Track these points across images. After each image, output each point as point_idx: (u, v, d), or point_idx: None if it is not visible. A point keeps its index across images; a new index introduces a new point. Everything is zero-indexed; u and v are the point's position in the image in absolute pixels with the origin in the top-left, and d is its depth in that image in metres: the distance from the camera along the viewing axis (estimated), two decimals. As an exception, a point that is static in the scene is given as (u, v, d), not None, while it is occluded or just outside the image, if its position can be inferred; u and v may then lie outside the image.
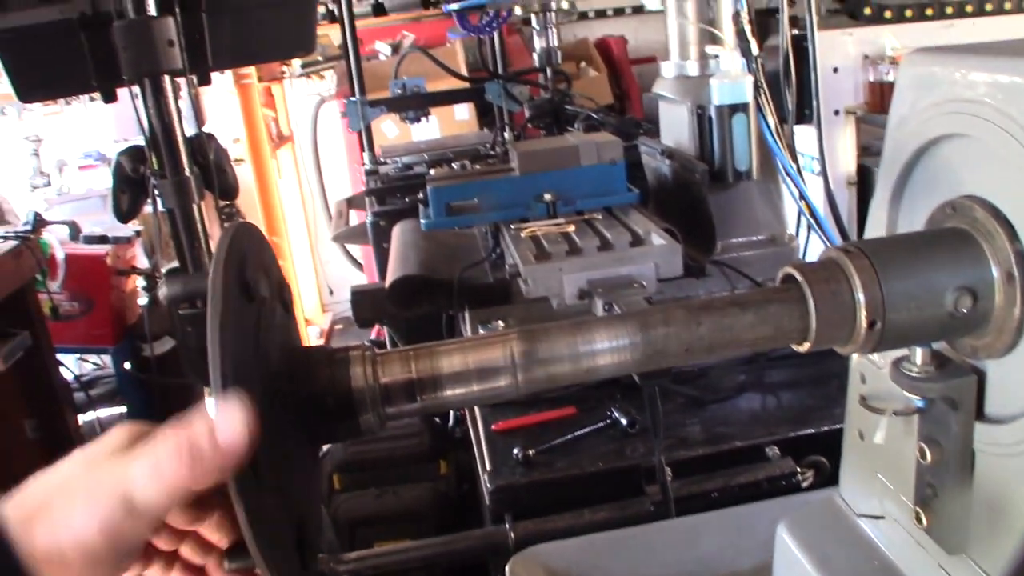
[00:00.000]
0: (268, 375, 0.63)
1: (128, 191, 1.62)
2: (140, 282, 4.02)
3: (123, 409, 4.07)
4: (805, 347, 0.70)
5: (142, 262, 4.21)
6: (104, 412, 4.12)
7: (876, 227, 0.87)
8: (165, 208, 1.52)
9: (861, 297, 0.68)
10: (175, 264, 1.65)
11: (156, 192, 1.51)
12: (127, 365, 3.93)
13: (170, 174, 1.48)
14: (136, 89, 1.53)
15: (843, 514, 1.03)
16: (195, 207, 1.53)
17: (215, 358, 0.57)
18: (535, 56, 3.35)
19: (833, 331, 0.69)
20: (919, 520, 0.82)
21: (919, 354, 0.76)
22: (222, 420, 0.56)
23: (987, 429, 0.75)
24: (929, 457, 0.79)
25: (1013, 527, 0.71)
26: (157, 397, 3.99)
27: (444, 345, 0.68)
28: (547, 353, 0.67)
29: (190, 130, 1.55)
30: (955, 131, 0.75)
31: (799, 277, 0.69)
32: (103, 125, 5.83)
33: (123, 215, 1.66)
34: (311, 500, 0.70)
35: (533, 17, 3.22)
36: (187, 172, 1.50)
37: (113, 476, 0.58)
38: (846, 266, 0.69)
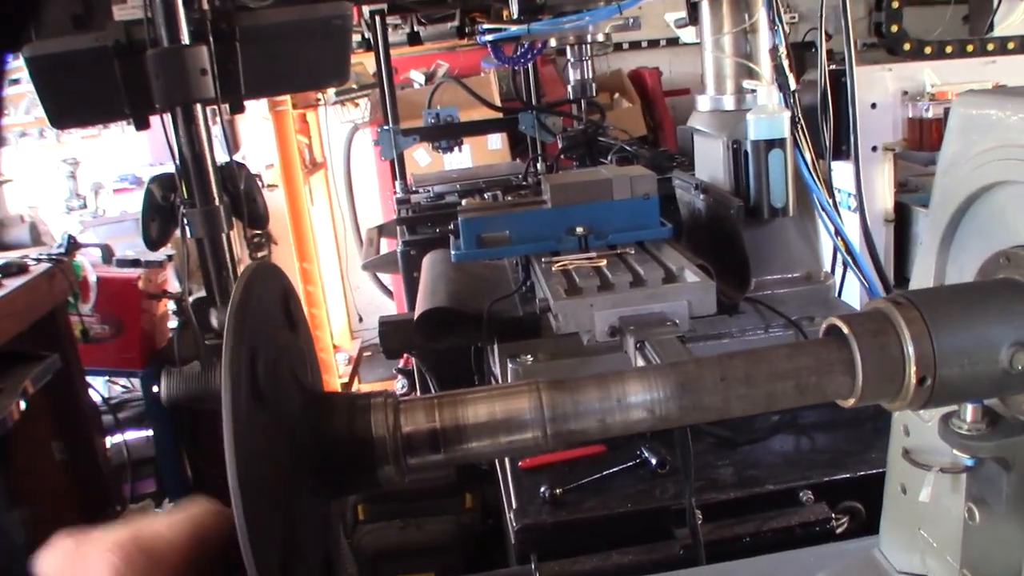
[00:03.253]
0: (287, 461, 0.61)
1: (158, 219, 1.62)
2: (171, 306, 4.02)
3: (150, 432, 4.07)
4: (850, 403, 0.67)
5: (173, 286, 4.22)
6: (131, 435, 4.12)
7: (923, 275, 0.84)
8: (194, 237, 1.51)
9: (911, 351, 0.64)
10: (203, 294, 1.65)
11: (185, 221, 1.50)
12: (155, 389, 3.93)
13: (200, 203, 1.48)
14: (168, 117, 1.53)
15: (883, 570, 0.99)
16: (224, 236, 1.51)
17: (233, 479, 0.55)
18: (569, 87, 3.33)
19: (880, 387, 0.66)
20: (967, 584, 0.78)
21: (969, 410, 0.72)
22: None
23: (1042, 491, 0.71)
24: (978, 518, 0.74)
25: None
26: (184, 422, 3.99)
27: (470, 394, 0.65)
28: (576, 406, 0.63)
29: (221, 158, 1.54)
30: (1010, 178, 0.71)
31: (845, 330, 0.66)
32: (139, 149, 5.89)
33: (152, 243, 1.65)
34: (330, 551, 0.68)
35: (568, 49, 3.21)
36: (216, 201, 1.49)
37: None
38: (895, 318, 0.65)
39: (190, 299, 1.83)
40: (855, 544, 1.05)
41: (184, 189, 1.49)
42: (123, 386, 4.43)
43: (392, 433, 0.63)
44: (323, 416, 0.64)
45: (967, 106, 0.76)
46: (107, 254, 3.92)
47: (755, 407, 0.65)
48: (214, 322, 0.53)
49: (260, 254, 1.63)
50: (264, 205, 1.63)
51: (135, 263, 3.89)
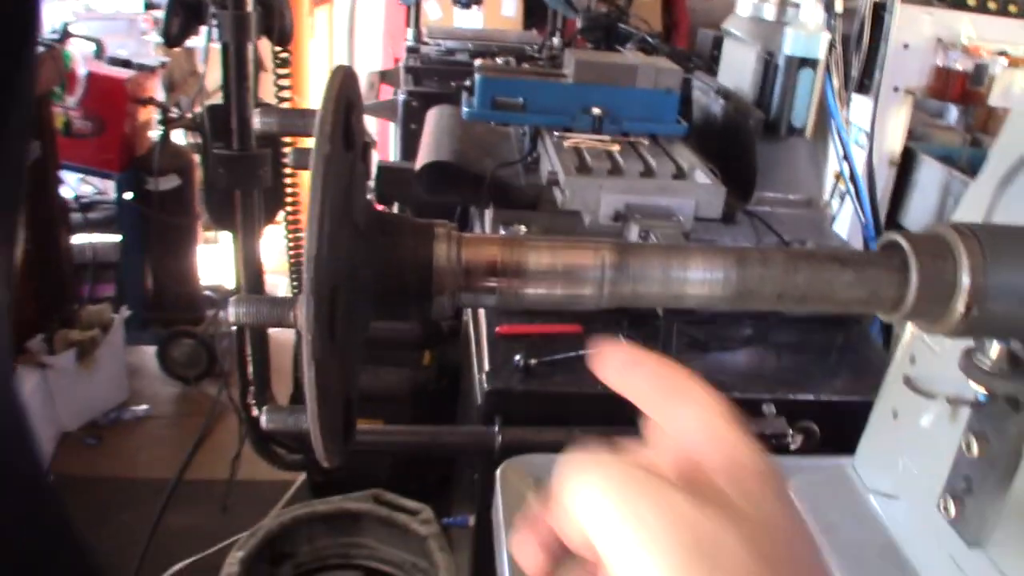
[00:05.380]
0: (355, 231, 0.61)
1: (182, 14, 1.56)
2: (155, 115, 3.94)
3: (118, 238, 4.04)
4: (894, 318, 0.68)
5: (160, 96, 4.12)
6: (97, 237, 4.09)
7: (973, 207, 0.85)
8: (220, 40, 1.47)
9: (966, 280, 0.65)
10: (206, 103, 1.61)
11: (214, 22, 1.45)
12: (129, 195, 3.89)
13: (231, 5, 1.42)
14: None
15: (854, 486, 1.03)
16: (250, 46, 1.47)
17: (314, 207, 0.54)
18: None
19: (928, 307, 0.67)
20: (945, 509, 0.82)
21: (996, 349, 0.74)
22: None
23: (1044, 436, 0.74)
24: (976, 451, 0.78)
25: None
26: (154, 232, 3.96)
27: (533, 240, 0.65)
28: (639, 270, 0.64)
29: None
30: (1092, 130, 0.72)
31: (906, 246, 0.67)
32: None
33: (171, 38, 1.59)
34: (356, 377, 0.68)
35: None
36: (249, 7, 1.44)
37: None
38: (956, 245, 0.66)
39: (206, 104, 1.78)
40: (829, 461, 1.09)
41: (217, -12, 1.44)
42: (96, 187, 4.36)
43: (454, 265, 0.63)
44: (387, 235, 0.63)
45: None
46: (99, 49, 3.80)
47: (807, 303, 0.66)
48: (256, 122, 0.51)
49: (283, 72, 1.57)
50: (292, 23, 1.58)
51: (127, 64, 3.79)
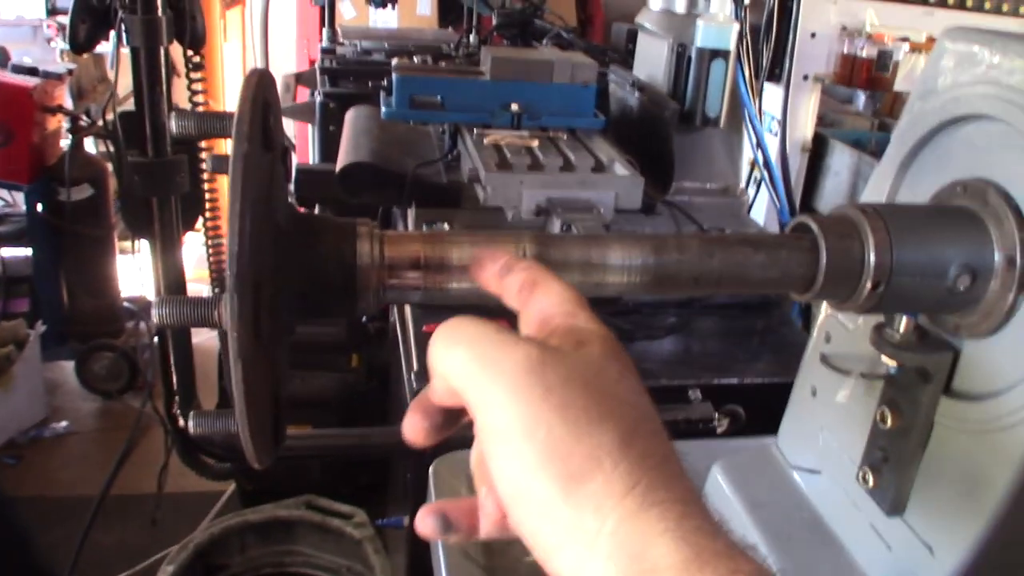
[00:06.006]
0: (277, 230, 0.61)
1: (88, 21, 1.53)
2: (65, 124, 3.83)
3: (28, 252, 3.92)
4: (806, 297, 0.71)
5: (68, 104, 4.01)
6: (8, 251, 3.96)
7: (876, 191, 0.88)
8: (130, 45, 1.44)
9: (872, 258, 0.68)
10: (120, 108, 1.58)
11: (123, 26, 1.43)
12: (39, 207, 3.78)
13: (141, 10, 1.40)
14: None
15: (778, 464, 1.06)
16: (162, 50, 1.45)
17: (235, 204, 0.54)
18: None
19: (837, 286, 0.70)
20: (864, 480, 0.85)
21: (903, 323, 0.77)
22: None
23: (952, 404, 0.78)
24: (890, 422, 0.81)
25: (980, 501, 0.74)
26: (68, 244, 3.85)
27: (455, 234, 0.66)
28: (559, 258, 0.65)
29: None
30: (984, 112, 0.75)
31: (815, 228, 0.69)
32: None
33: (78, 45, 1.56)
34: (284, 376, 0.68)
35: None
36: (160, 12, 1.42)
37: None
38: (862, 225, 0.69)
39: (118, 111, 1.74)
40: (753, 441, 1.12)
41: (126, -7, 1.41)
42: (3, 199, 4.23)
43: (377, 262, 0.63)
44: (309, 235, 0.63)
45: (955, 41, 0.80)
46: (3, 57, 3.68)
47: (723, 285, 0.68)
48: (173, 126, 0.50)
49: (196, 76, 1.54)
50: (204, 26, 1.56)
51: (32, 71, 3.68)
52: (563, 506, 0.46)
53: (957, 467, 0.77)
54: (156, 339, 1.89)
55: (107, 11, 1.49)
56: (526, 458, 0.47)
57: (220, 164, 0.62)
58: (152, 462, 2.63)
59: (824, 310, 0.99)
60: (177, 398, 1.80)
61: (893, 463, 0.82)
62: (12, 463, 3.59)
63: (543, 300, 0.56)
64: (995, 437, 0.73)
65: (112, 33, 1.53)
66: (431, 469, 1.34)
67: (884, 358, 0.78)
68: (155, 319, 0.60)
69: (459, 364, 0.51)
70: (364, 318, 2.93)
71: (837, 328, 0.95)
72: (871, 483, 0.84)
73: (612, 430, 0.47)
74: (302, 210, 0.70)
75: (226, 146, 0.59)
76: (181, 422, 1.81)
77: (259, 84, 0.60)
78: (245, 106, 0.57)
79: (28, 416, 3.79)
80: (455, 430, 0.58)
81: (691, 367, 1.78)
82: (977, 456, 0.75)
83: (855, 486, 0.88)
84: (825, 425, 0.97)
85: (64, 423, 3.87)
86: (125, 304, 4.18)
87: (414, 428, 0.57)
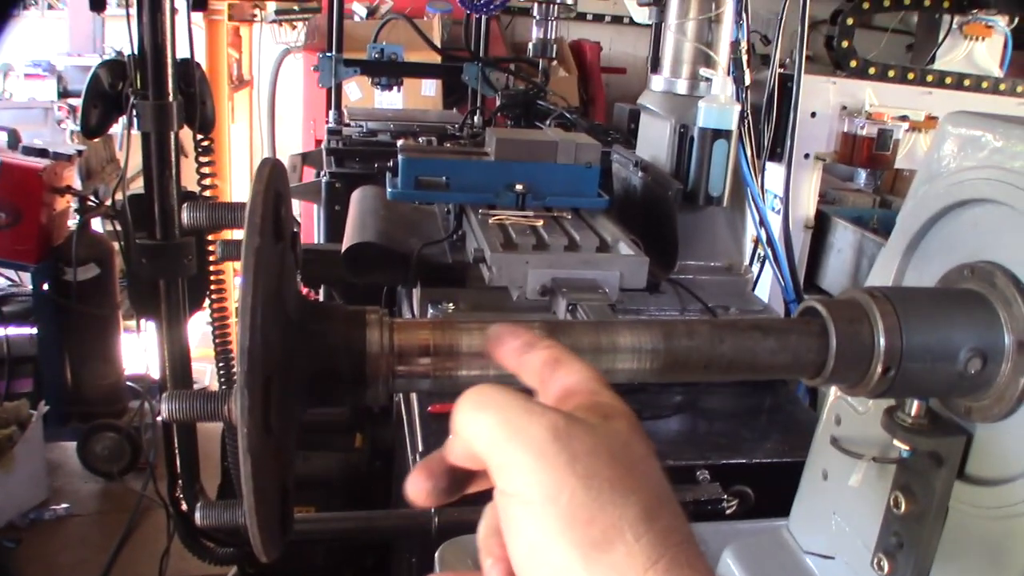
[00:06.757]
0: (288, 321, 0.61)
1: (100, 106, 1.55)
2: (73, 204, 3.88)
3: (34, 330, 3.93)
4: (816, 382, 0.70)
5: (77, 185, 4.06)
6: (13, 330, 3.97)
7: (883, 274, 0.88)
8: (141, 130, 1.46)
9: (882, 342, 0.68)
10: (130, 190, 1.60)
11: (135, 112, 1.45)
12: (45, 286, 3.79)
13: (152, 96, 1.42)
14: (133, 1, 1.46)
15: (790, 548, 1.05)
16: (172, 135, 1.47)
17: (247, 299, 0.54)
18: (530, 45, 3.35)
19: (848, 371, 0.69)
20: (879, 567, 0.83)
21: (915, 406, 0.77)
22: None
23: (966, 489, 0.77)
24: (904, 507, 0.80)
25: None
26: (73, 323, 3.86)
27: (464, 322, 0.66)
28: (568, 345, 0.65)
29: (180, 54, 1.49)
30: (989, 196, 0.76)
31: (824, 312, 0.69)
32: (56, 37, 5.64)
33: (90, 129, 1.58)
34: (292, 466, 0.67)
35: (535, 7, 3.21)
36: (171, 97, 1.44)
37: None
38: (871, 309, 0.69)
39: (127, 193, 1.76)
40: (764, 524, 1.10)
41: (138, 79, 1.43)
42: (9, 279, 4.25)
43: (386, 351, 0.63)
44: (319, 323, 0.64)
45: (958, 125, 0.81)
46: (14, 139, 3.74)
47: (733, 371, 0.68)
48: (184, 217, 0.50)
49: (205, 159, 1.57)
50: (213, 111, 1.58)
51: (42, 153, 3.73)
52: (583, 574, 0.45)
53: (974, 552, 0.76)
54: (160, 419, 1.88)
55: (119, 96, 1.52)
56: (547, 523, 0.47)
57: (230, 251, 0.62)
58: (153, 546, 2.60)
59: (833, 392, 0.98)
60: (180, 481, 1.78)
61: (908, 549, 0.80)
62: (12, 546, 3.54)
63: (566, 378, 0.57)
64: (1013, 523, 0.72)
65: (123, 117, 1.55)
66: (437, 554, 1.32)
67: (896, 442, 0.77)
68: (164, 414, 0.60)
69: (485, 429, 0.51)
70: (369, 398, 2.91)
71: (847, 411, 0.94)
72: (886, 569, 0.83)
73: (637, 504, 0.47)
74: (309, 293, 0.70)
75: (236, 231, 0.60)
76: (184, 506, 1.79)
77: (271, 175, 0.60)
78: (258, 199, 0.57)
79: (29, 498, 3.75)
80: (458, 497, 0.58)
81: (699, 447, 1.77)
82: (995, 541, 0.74)
83: (870, 572, 0.86)
84: (837, 509, 0.96)
85: (64, 505, 3.83)
86: (129, 383, 4.17)
87: (417, 489, 0.57)
